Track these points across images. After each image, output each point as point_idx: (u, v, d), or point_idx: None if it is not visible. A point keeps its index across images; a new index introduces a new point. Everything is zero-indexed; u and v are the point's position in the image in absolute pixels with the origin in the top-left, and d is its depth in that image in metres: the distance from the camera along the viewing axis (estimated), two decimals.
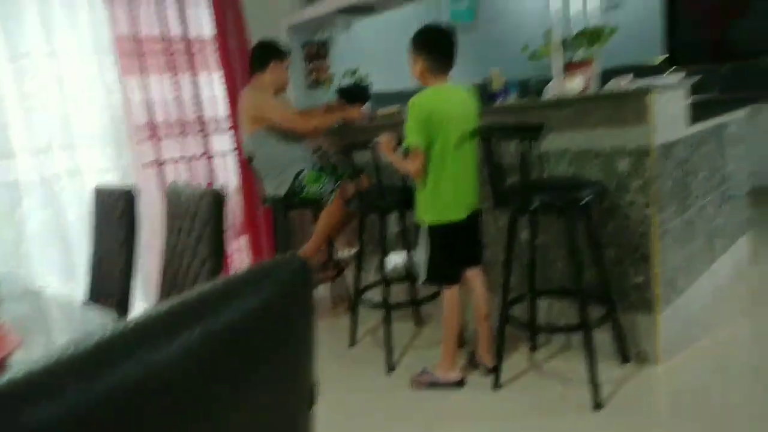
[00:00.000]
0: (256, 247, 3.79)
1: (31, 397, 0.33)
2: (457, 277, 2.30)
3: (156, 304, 0.43)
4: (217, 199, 1.34)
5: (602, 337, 2.32)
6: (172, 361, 0.40)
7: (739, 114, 3.19)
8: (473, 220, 2.30)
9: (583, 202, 2.06)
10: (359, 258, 2.81)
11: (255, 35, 3.60)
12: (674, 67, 5.71)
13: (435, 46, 2.18)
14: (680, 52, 5.85)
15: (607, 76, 2.71)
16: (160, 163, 3.38)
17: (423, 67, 2.19)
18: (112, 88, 3.10)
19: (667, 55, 5.85)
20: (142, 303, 3.24)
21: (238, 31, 3.63)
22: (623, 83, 2.49)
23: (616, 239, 2.34)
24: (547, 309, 2.60)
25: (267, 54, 3.02)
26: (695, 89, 2.51)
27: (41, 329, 1.55)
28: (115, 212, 1.70)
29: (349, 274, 3.28)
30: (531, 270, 2.47)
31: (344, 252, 3.62)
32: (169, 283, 1.51)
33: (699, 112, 2.58)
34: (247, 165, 3.28)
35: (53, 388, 0.34)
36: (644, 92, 2.14)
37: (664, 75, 5.08)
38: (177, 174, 3.45)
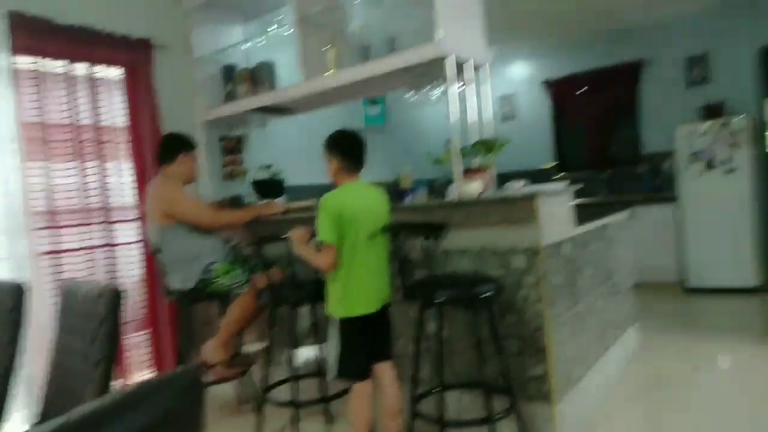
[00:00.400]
0: (156, 342, 3.58)
1: None
2: (366, 371, 2.30)
3: (39, 426, 0.44)
4: (114, 298, 1.30)
5: (508, 428, 2.37)
6: None
7: (621, 215, 3.57)
8: (383, 314, 2.35)
9: (484, 296, 2.18)
10: (268, 353, 2.74)
11: (170, 128, 3.64)
12: (562, 172, 6.35)
13: (347, 149, 2.33)
14: (567, 159, 6.54)
15: (504, 179, 2.98)
16: (58, 253, 3.19)
17: (337, 167, 2.32)
18: (11, 175, 2.96)
19: (556, 162, 6.51)
20: (22, 409, 2.92)
21: (152, 122, 3.65)
22: (517, 187, 2.75)
23: (514, 332, 2.47)
24: (456, 402, 2.64)
25: (175, 146, 3.05)
26: (581, 193, 2.81)
27: None
28: (1, 308, 1.59)
29: (257, 369, 3.17)
30: (439, 363, 2.52)
31: (253, 346, 3.51)
32: (56, 387, 1.41)
33: (585, 214, 2.88)
34: (152, 257, 3.18)
35: None
36: (532, 197, 2.37)
37: (553, 180, 5.64)
38: (76, 265, 3.27)
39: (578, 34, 6.00)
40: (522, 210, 2.42)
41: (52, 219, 3.18)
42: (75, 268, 3.26)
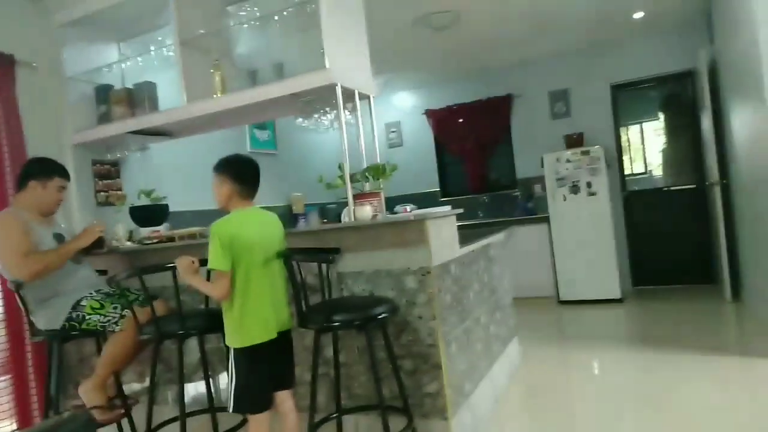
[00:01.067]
0: (20, 389, 3.19)
1: None
2: (267, 402, 2.23)
3: None
4: None
5: None
6: None
7: (499, 236, 3.82)
8: (283, 341, 2.29)
9: (379, 318, 2.23)
10: (152, 391, 2.56)
11: (36, 151, 3.32)
12: (446, 196, 6.70)
13: (242, 175, 2.28)
14: (450, 184, 6.92)
15: (393, 202, 3.09)
16: None
17: (229, 192, 2.25)
18: None
19: (440, 187, 6.85)
20: None
21: (13, 146, 3.31)
22: (408, 210, 2.85)
23: (409, 350, 2.54)
24: (354, 426, 2.64)
25: (28, 171, 2.78)
26: (463, 216, 2.98)
27: None
28: None
29: (140, 409, 2.94)
30: (336, 387, 2.52)
31: (135, 385, 3.25)
32: None
33: (467, 235, 3.05)
34: (14, 293, 2.85)
35: None
36: (423, 220, 2.48)
37: (438, 204, 5.91)
38: None
39: (456, 69, 6.42)
40: (413, 232, 2.51)
41: None
42: None
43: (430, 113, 6.83)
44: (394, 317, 2.47)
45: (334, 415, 2.55)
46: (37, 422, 3.20)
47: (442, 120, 6.77)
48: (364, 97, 3.18)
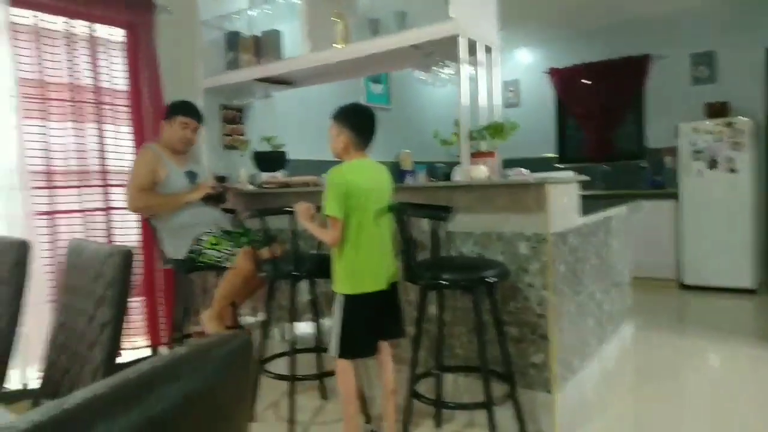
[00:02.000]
0: (152, 310, 3.54)
1: None
2: (369, 350, 2.28)
3: (92, 386, 0.40)
4: (125, 260, 1.25)
5: (505, 414, 2.38)
6: None
7: (621, 209, 3.56)
8: (391, 293, 2.31)
9: (487, 281, 2.16)
10: (265, 326, 2.71)
11: (172, 94, 3.55)
12: (563, 163, 6.34)
13: (359, 124, 2.28)
14: (568, 149, 6.52)
15: (505, 165, 2.95)
16: (54, 214, 3.12)
17: (347, 141, 2.26)
18: (8, 132, 2.88)
19: (558, 152, 6.49)
20: (20, 368, 2.88)
21: (152, 87, 3.56)
22: (523, 173, 2.71)
23: (517, 318, 2.46)
24: (453, 385, 2.64)
25: (166, 111, 3.04)
26: (582, 185, 2.78)
27: None
28: (2, 266, 1.54)
29: (254, 342, 3.14)
30: (438, 345, 2.52)
31: (250, 319, 3.48)
32: (59, 346, 1.37)
33: (587, 205, 2.86)
34: (146, 223, 3.12)
35: None
36: (543, 184, 2.34)
37: (555, 170, 5.58)
38: (72, 227, 3.20)
39: (586, 24, 5.94)
40: (531, 196, 2.39)
41: (48, 179, 3.10)
42: (71, 230, 3.19)
43: (553, 72, 6.43)
44: (503, 282, 2.39)
45: (434, 372, 2.56)
46: (165, 343, 3.54)
47: (566, 80, 6.35)
48: (487, 50, 3.03)
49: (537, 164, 5.93)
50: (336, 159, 2.35)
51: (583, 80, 6.23)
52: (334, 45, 3.31)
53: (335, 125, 2.29)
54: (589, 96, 6.21)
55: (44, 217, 3.08)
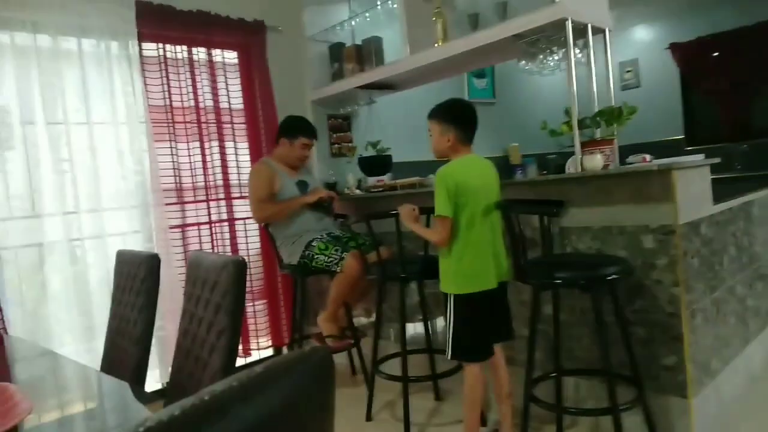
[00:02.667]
0: (273, 312, 3.76)
1: None
2: (485, 352, 2.22)
3: (169, 408, 0.41)
4: (238, 269, 1.33)
5: (632, 420, 2.20)
6: None
7: (765, 192, 3.15)
8: (500, 292, 2.24)
9: (608, 278, 2.01)
10: (377, 327, 2.75)
11: (282, 108, 3.74)
12: (692, 145, 5.77)
13: (462, 118, 2.23)
14: (697, 130, 5.92)
15: (625, 152, 2.73)
16: (184, 227, 3.43)
17: (453, 138, 2.22)
18: (141, 155, 3.20)
19: (685, 134, 5.91)
20: (155, 372, 3.19)
21: (265, 103, 3.78)
22: (647, 159, 2.50)
23: (643, 317, 2.27)
24: (574, 388, 2.49)
25: (280, 130, 3.20)
26: (716, 168, 2.50)
27: (53, 392, 1.52)
28: (136, 277, 1.71)
29: (367, 342, 3.21)
30: (556, 347, 2.40)
31: (363, 320, 3.57)
32: (184, 352, 1.48)
33: (723, 190, 2.56)
34: (265, 231, 3.32)
35: None
36: (668, 170, 2.13)
37: (683, 153, 5.09)
38: (200, 238, 3.49)
39: None
40: (655, 185, 2.18)
41: (178, 195, 3.41)
42: (199, 241, 3.48)
43: (675, 48, 5.88)
44: (626, 279, 2.21)
45: (553, 375, 2.44)
46: (287, 343, 3.73)
47: (690, 54, 5.77)
48: (597, 31, 2.83)
49: (663, 148, 5.45)
50: (439, 159, 2.31)
51: (710, 53, 5.62)
52: (435, 44, 3.29)
53: (437, 124, 2.26)
54: (719, 70, 5.59)
55: (176, 230, 3.39)
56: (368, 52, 3.92)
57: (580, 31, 2.71)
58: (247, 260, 3.70)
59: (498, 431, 2.36)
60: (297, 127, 3.16)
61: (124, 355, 1.75)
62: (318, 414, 0.50)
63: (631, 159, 2.87)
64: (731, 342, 2.55)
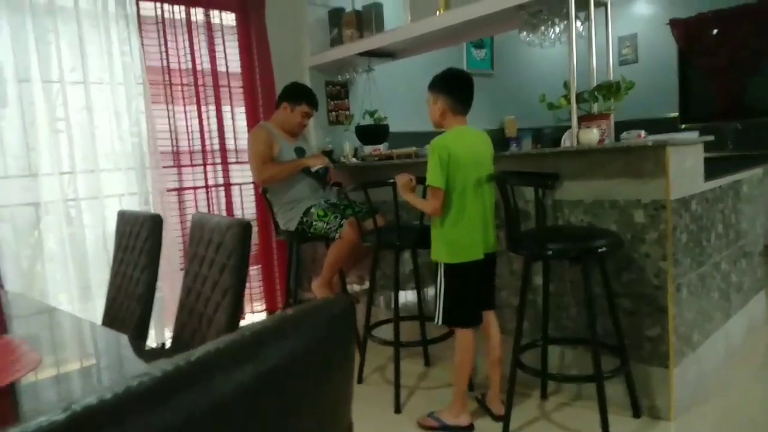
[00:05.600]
0: (268, 277, 3.81)
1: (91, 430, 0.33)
2: (474, 319, 2.29)
3: (213, 342, 0.45)
4: (244, 231, 1.36)
5: (614, 388, 2.30)
6: (227, 397, 0.42)
7: (755, 171, 3.21)
8: (489, 262, 2.31)
9: (599, 251, 2.07)
10: (371, 294, 2.81)
11: (280, 73, 3.72)
12: (686, 122, 5.80)
13: (455, 88, 2.25)
14: (693, 107, 5.94)
15: (621, 127, 2.76)
16: (181, 190, 3.44)
17: (443, 107, 2.24)
18: (138, 116, 3.19)
19: (680, 111, 5.94)
20: (158, 329, 3.25)
21: (263, 68, 3.75)
22: (642, 136, 2.53)
23: (630, 290, 2.34)
24: (559, 356, 2.58)
25: (283, 94, 3.16)
26: (709, 146, 2.54)
27: (51, 349, 1.56)
28: (139, 237, 1.74)
29: (360, 309, 3.28)
30: (544, 316, 2.47)
31: (357, 286, 3.63)
32: (189, 310, 1.53)
33: (714, 168, 2.61)
34: (262, 197, 3.34)
35: (119, 418, 0.35)
36: (663, 147, 2.17)
37: (679, 131, 5.12)
38: (196, 202, 3.50)
39: None
40: (648, 161, 2.23)
41: (175, 159, 3.41)
42: (195, 205, 3.50)
43: (674, 23, 5.86)
44: (616, 252, 2.27)
45: (540, 343, 2.52)
46: (281, 308, 3.80)
47: (690, 31, 5.75)
48: (599, 5, 2.82)
49: (658, 125, 5.46)
50: (436, 130, 2.34)
51: (710, 29, 5.61)
52: (436, 12, 3.26)
53: (431, 93, 2.29)
54: (717, 48, 5.58)
55: (173, 193, 3.40)
56: (368, 19, 3.88)
57: (582, 3, 2.70)
58: None
59: (485, 395, 2.45)
60: (301, 94, 3.15)
61: (126, 313, 1.79)
62: (339, 359, 0.55)
63: (625, 135, 2.90)
64: (714, 316, 2.63)
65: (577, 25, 2.75)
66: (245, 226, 1.36)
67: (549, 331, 2.51)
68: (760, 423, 2.26)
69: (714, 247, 2.63)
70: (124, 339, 1.58)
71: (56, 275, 3.00)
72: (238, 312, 1.33)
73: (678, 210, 2.25)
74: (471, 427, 2.29)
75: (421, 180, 2.44)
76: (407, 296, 3.29)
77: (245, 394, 0.43)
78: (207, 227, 1.49)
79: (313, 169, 3.04)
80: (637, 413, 2.28)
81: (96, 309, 2.98)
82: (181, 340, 1.52)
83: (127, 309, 1.79)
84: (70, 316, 1.93)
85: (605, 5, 2.86)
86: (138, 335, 1.70)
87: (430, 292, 3.24)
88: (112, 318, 1.89)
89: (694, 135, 2.50)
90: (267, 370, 0.45)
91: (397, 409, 2.52)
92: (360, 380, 2.86)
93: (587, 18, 2.76)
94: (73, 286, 3.02)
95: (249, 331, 0.46)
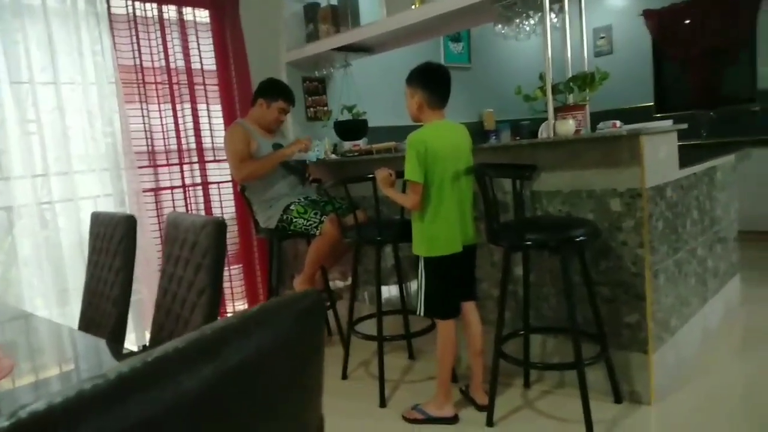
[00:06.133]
0: (249, 276, 3.78)
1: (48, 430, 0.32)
2: (454, 310, 2.31)
3: (173, 341, 0.44)
4: (218, 229, 1.34)
5: (596, 375, 2.33)
6: (189, 396, 0.41)
7: (728, 159, 3.26)
8: (469, 254, 2.32)
9: (576, 240, 2.09)
10: (353, 289, 2.81)
11: (256, 70, 3.68)
12: (661, 112, 5.88)
13: (432, 82, 2.25)
14: (668, 97, 6.03)
15: (597, 118, 2.78)
16: (157, 190, 3.39)
17: (420, 101, 2.24)
18: (112, 116, 3.13)
19: (655, 101, 6.02)
20: (131, 336, 3.20)
21: (239, 65, 3.71)
22: (617, 125, 2.56)
23: (608, 278, 2.36)
24: (541, 345, 2.60)
25: (258, 91, 3.13)
26: (684, 134, 2.58)
27: (28, 355, 1.53)
28: (113, 239, 1.71)
29: (343, 304, 3.27)
30: (525, 306, 2.49)
31: (339, 282, 3.62)
32: (165, 311, 1.51)
33: (689, 156, 2.65)
34: (241, 195, 3.31)
35: (70, 423, 0.34)
36: (637, 135, 2.19)
37: (654, 120, 5.20)
38: (173, 202, 3.46)
39: None
40: (623, 150, 2.25)
41: (150, 158, 3.36)
42: (172, 205, 3.45)
43: (648, 14, 5.93)
44: (593, 241, 2.29)
45: (521, 333, 2.54)
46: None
47: (663, 21, 5.83)
48: None
49: (633, 115, 5.55)
50: (415, 124, 2.34)
51: (683, 20, 5.68)
52: (412, 6, 3.25)
53: (408, 87, 2.28)
54: (691, 38, 5.66)
55: (149, 193, 3.35)
56: (344, 13, 3.86)
57: None
58: None
59: (468, 386, 2.46)
60: (277, 90, 3.12)
61: (102, 316, 1.77)
62: (308, 354, 0.54)
63: (601, 125, 2.93)
64: (690, 301, 2.68)
65: (552, 17, 2.77)
66: (220, 224, 1.34)
67: (530, 321, 2.53)
68: (738, 405, 2.30)
69: (690, 234, 2.67)
70: (102, 343, 1.56)
71: (32, 280, 2.94)
72: (215, 311, 1.32)
73: (653, 198, 2.28)
74: (455, 417, 2.31)
75: (400, 174, 2.43)
76: (390, 291, 3.29)
77: (208, 392, 0.43)
78: (182, 227, 1.47)
79: (296, 156, 3.02)
80: (618, 399, 2.31)
81: (73, 313, 2.93)
82: (159, 342, 1.50)
83: (104, 312, 1.76)
84: (46, 321, 1.90)
85: None
86: (115, 338, 1.68)
87: (412, 286, 3.25)
88: (88, 322, 1.86)
89: (667, 123, 2.53)
90: (231, 368, 0.44)
91: (382, 404, 2.53)
92: (344, 376, 2.86)
93: (561, 10, 2.78)
94: (49, 290, 2.96)
95: (211, 330, 0.45)
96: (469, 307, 2.38)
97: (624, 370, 2.33)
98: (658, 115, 5.89)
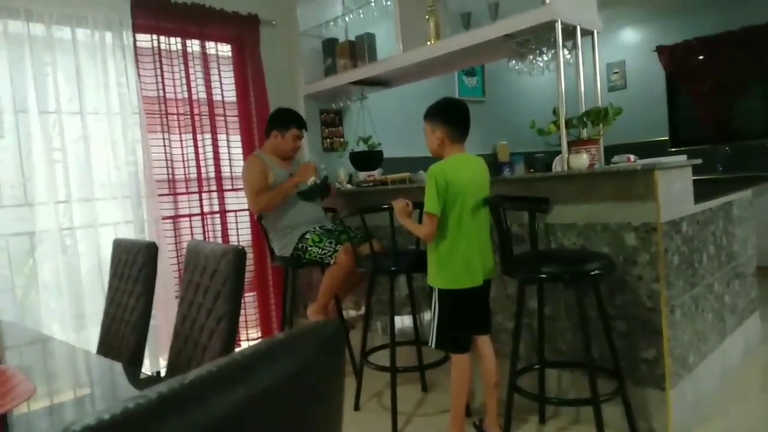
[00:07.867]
0: (263, 304, 3.79)
1: None
2: (466, 344, 2.29)
3: (206, 365, 0.46)
4: (238, 257, 1.37)
5: (612, 411, 2.29)
6: (217, 420, 0.43)
7: (745, 193, 3.25)
8: (484, 288, 2.32)
9: (591, 274, 2.08)
10: (366, 319, 2.81)
11: (275, 101, 3.77)
12: (675, 146, 5.89)
13: (453, 117, 2.29)
14: (682, 132, 6.04)
15: (611, 152, 2.81)
16: (176, 218, 3.45)
17: (441, 136, 2.27)
18: (134, 146, 3.22)
19: (670, 135, 6.03)
20: (152, 357, 3.22)
21: (258, 97, 3.81)
22: (631, 160, 2.58)
23: (624, 312, 2.35)
24: (556, 380, 2.57)
25: (270, 123, 3.21)
26: (698, 168, 2.59)
27: (45, 378, 1.55)
28: (134, 265, 1.74)
29: (356, 334, 3.27)
30: (540, 340, 2.47)
31: (352, 312, 3.62)
32: (184, 338, 1.53)
33: (704, 191, 2.65)
34: (258, 223, 3.35)
35: None
36: (651, 170, 2.21)
37: (668, 154, 5.19)
38: (192, 229, 3.51)
39: None
40: (638, 184, 2.26)
41: (171, 187, 3.43)
42: (190, 232, 3.50)
43: (661, 50, 5.99)
44: (609, 275, 2.28)
45: (536, 367, 2.51)
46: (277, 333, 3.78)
47: (676, 57, 5.89)
48: (586, 33, 2.90)
49: (648, 149, 5.58)
50: (434, 157, 2.37)
51: (697, 56, 5.74)
52: (428, 43, 3.34)
53: (427, 123, 2.32)
54: (704, 73, 5.71)
55: (169, 220, 3.41)
56: (361, 49, 3.96)
57: (569, 32, 2.77)
58: None
59: (483, 420, 2.43)
60: (288, 119, 3.19)
61: (121, 341, 1.79)
62: (329, 382, 0.56)
63: (615, 159, 2.95)
64: (708, 337, 2.64)
65: (565, 54, 2.82)
66: (240, 253, 1.37)
67: (545, 355, 2.51)
68: None
69: (706, 269, 2.65)
70: (118, 367, 1.57)
71: (50, 304, 2.98)
72: (233, 339, 1.34)
73: (669, 232, 2.28)
74: None
75: (417, 205, 2.46)
76: (403, 321, 3.28)
77: (237, 415, 0.44)
78: (202, 254, 1.50)
79: (309, 184, 3.06)
80: None
81: (90, 338, 2.96)
82: (176, 368, 1.52)
83: (122, 337, 1.78)
84: (64, 345, 1.92)
85: (591, 34, 2.93)
86: (133, 363, 1.70)
87: (426, 316, 3.24)
88: (107, 346, 1.89)
89: (682, 158, 2.54)
90: (258, 393, 0.46)
91: None
92: (357, 407, 2.84)
93: (574, 46, 2.83)
94: (67, 314, 3.00)
95: (241, 355, 0.47)
96: (484, 341, 2.36)
97: (641, 407, 2.29)
98: (673, 149, 5.90)
